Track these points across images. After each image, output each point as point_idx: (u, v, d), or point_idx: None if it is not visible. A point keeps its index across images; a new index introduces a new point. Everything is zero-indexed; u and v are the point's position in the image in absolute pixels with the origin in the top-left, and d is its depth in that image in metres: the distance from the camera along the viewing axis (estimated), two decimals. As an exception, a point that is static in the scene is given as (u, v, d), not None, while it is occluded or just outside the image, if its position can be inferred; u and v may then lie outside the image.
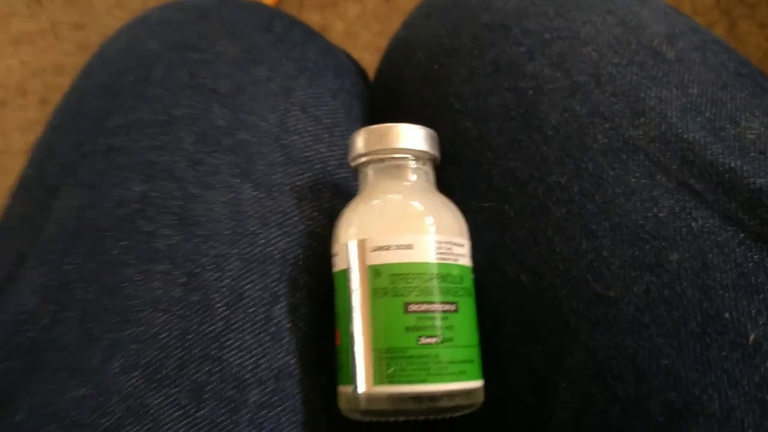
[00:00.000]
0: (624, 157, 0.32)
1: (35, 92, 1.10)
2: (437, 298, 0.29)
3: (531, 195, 0.32)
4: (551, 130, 0.34)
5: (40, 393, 0.30)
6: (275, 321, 0.32)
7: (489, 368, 0.31)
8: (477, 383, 0.30)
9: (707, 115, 0.32)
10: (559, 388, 0.29)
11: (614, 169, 0.32)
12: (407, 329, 0.29)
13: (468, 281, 0.31)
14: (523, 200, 0.33)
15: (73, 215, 0.34)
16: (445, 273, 0.29)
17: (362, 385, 0.29)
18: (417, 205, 0.31)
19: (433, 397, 0.28)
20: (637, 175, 0.31)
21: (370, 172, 0.33)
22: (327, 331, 0.33)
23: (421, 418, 0.29)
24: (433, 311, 0.29)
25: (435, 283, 0.29)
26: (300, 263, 0.34)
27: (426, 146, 0.32)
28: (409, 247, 0.29)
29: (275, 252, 0.33)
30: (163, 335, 0.30)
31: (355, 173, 0.34)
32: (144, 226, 0.33)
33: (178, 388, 0.30)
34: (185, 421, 0.29)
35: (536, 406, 0.30)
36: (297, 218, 0.34)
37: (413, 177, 0.32)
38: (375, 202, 0.32)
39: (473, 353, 0.30)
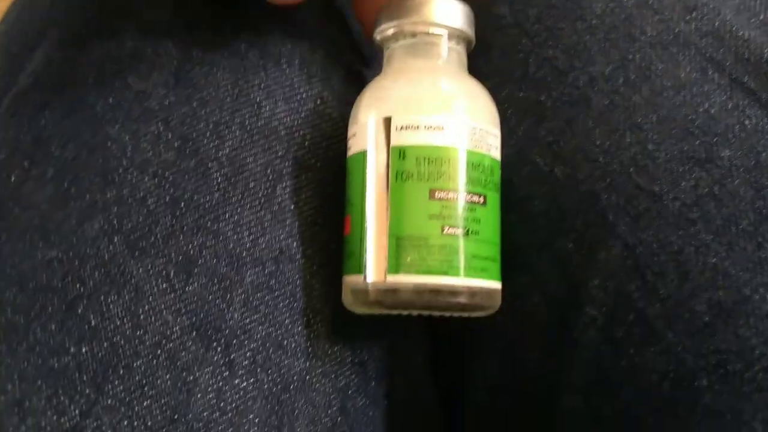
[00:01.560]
0: (674, 50, 0.30)
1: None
2: (466, 187, 0.26)
3: (571, 85, 0.30)
4: (596, 20, 0.31)
5: (3, 253, 0.27)
6: (278, 200, 0.29)
7: (514, 262, 0.29)
8: (497, 284, 0.27)
9: (761, 17, 0.30)
10: (590, 284, 0.27)
11: (663, 62, 0.30)
12: (431, 217, 0.26)
13: (497, 175, 0.28)
14: (561, 90, 0.30)
15: (54, 68, 0.30)
16: (476, 162, 0.27)
17: (374, 273, 0.26)
18: (452, 85, 0.29)
19: (453, 291, 0.26)
20: (688, 69, 0.29)
21: (397, 48, 0.30)
22: (331, 220, 0.30)
23: (436, 313, 0.27)
24: (460, 200, 0.26)
25: (465, 171, 0.27)
26: (307, 143, 0.31)
27: (463, 24, 0.30)
28: (440, 128, 0.27)
29: (280, 127, 0.30)
30: (151, 201, 0.27)
31: (378, 53, 0.32)
32: (135, 83, 0.29)
33: (164, 259, 0.27)
34: (171, 295, 0.26)
35: (563, 303, 0.28)
36: (305, 95, 0.31)
37: (445, 57, 0.29)
38: (403, 78, 0.29)
39: (496, 252, 0.27)
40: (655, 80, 0.29)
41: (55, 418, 0.24)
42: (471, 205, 0.27)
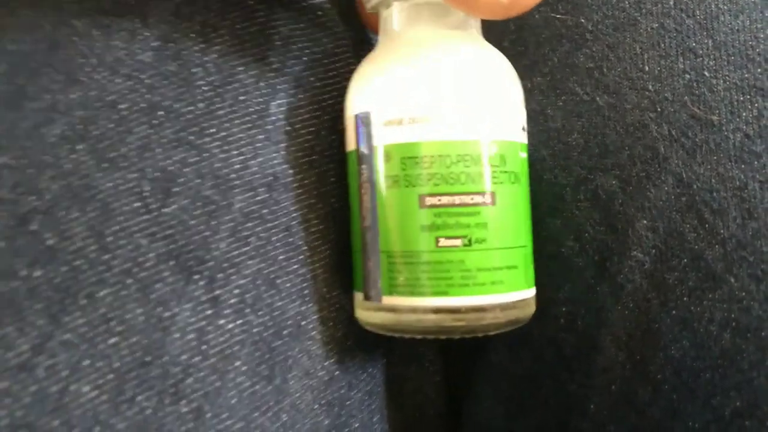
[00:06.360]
0: None
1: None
2: (464, 187, 0.24)
3: (615, 6, 0.29)
4: None
5: None
6: (271, 119, 0.27)
7: (545, 204, 0.28)
8: (520, 294, 0.25)
9: None
10: (636, 224, 0.26)
11: None
12: (423, 228, 0.24)
13: (514, 162, 0.25)
14: (604, 12, 0.29)
15: None
16: (476, 154, 0.24)
17: (370, 294, 0.25)
18: (440, 62, 0.25)
19: (455, 312, 0.24)
20: None
21: (392, 14, 0.26)
22: (330, 149, 0.28)
23: (443, 337, 0.25)
24: (458, 205, 0.24)
25: (461, 167, 0.24)
26: (305, 58, 0.29)
27: None
28: (424, 119, 0.24)
29: (276, 37, 0.28)
30: (124, 106, 0.25)
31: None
32: None
33: (138, 174, 0.24)
34: (146, 216, 0.24)
35: (604, 247, 0.27)
36: (305, 3, 0.29)
37: (451, 20, 0.26)
38: (387, 60, 0.26)
39: (516, 257, 0.25)
40: (710, 3, 0.28)
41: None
42: (473, 209, 0.24)
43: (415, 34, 0.26)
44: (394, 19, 0.26)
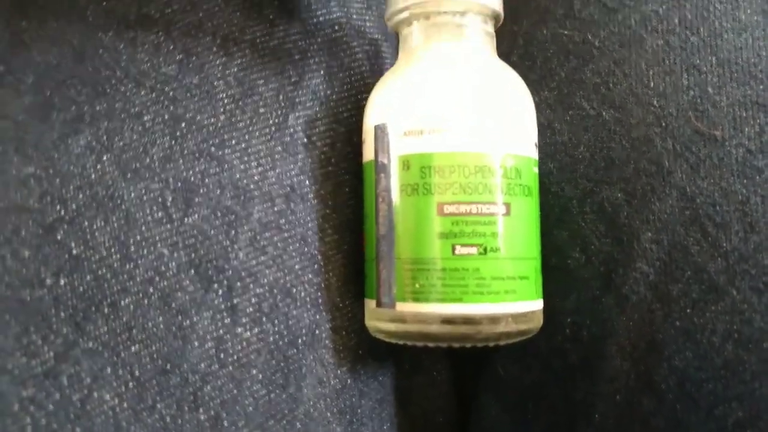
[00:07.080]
0: None
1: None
2: (481, 197, 0.24)
3: (621, 24, 0.29)
4: None
5: None
6: (290, 131, 0.28)
7: (552, 216, 0.28)
8: (531, 305, 0.25)
9: None
10: (641, 237, 0.26)
11: (722, 2, 0.29)
12: (440, 236, 0.24)
13: (528, 176, 0.26)
14: (611, 29, 0.29)
15: None
16: (492, 166, 0.25)
17: (383, 301, 0.25)
18: (462, 77, 0.26)
19: (469, 320, 0.24)
20: (749, 11, 0.29)
21: (412, 32, 0.27)
22: (346, 160, 0.29)
23: (456, 345, 0.25)
24: (475, 214, 0.24)
25: (479, 178, 0.25)
26: (322, 72, 0.29)
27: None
28: (445, 131, 0.25)
29: (294, 51, 0.29)
30: (148, 117, 0.26)
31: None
32: None
33: (161, 184, 0.25)
34: (168, 226, 0.25)
35: (609, 259, 0.27)
36: (323, 18, 0.30)
37: (469, 39, 0.27)
38: (408, 74, 0.27)
39: (529, 268, 0.25)
40: (714, 21, 0.29)
41: (24, 360, 0.22)
42: (489, 218, 0.25)
43: (435, 51, 0.27)
44: (413, 37, 0.27)
